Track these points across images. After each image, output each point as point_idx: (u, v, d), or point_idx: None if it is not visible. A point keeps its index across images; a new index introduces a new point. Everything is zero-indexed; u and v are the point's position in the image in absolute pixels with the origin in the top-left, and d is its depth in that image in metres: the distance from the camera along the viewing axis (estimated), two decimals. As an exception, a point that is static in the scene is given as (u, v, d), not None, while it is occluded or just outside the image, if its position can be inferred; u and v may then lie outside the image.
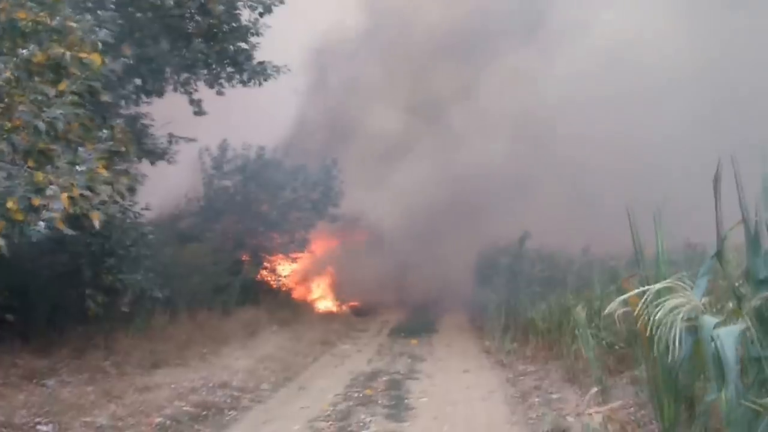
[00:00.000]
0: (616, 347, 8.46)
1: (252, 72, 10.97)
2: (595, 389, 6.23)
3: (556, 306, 11.50)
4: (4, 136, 5.83)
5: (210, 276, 14.64)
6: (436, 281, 19.17)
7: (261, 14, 10.65)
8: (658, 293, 3.42)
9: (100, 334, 10.80)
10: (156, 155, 11.24)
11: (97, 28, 7.04)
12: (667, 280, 3.44)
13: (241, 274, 16.24)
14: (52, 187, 5.67)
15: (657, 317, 3.17)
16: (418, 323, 16.55)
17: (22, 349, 9.91)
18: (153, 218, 12.23)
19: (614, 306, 3.42)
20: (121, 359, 10.24)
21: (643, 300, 3.26)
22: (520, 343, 12.00)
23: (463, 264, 18.91)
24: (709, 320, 3.08)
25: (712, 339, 2.96)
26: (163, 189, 13.23)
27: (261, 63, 11.10)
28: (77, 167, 5.93)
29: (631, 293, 3.48)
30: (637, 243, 4.19)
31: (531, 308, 12.38)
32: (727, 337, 2.91)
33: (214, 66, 11.13)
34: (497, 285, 15.95)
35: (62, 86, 6.27)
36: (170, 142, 11.35)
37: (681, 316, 3.16)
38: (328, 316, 18.41)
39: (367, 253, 20.10)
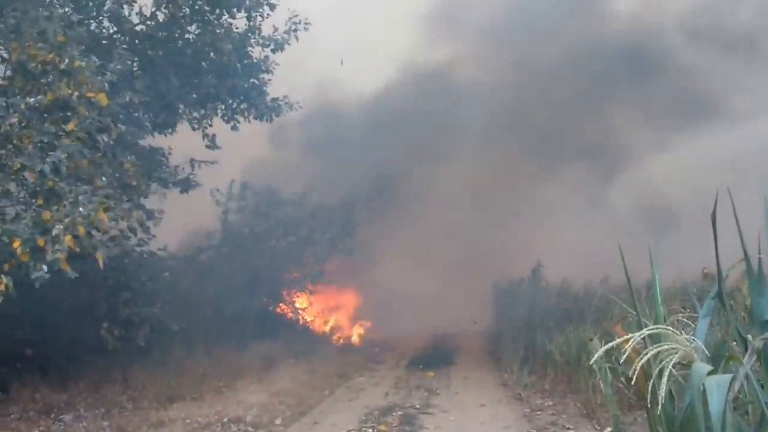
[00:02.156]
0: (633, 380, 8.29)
1: (264, 108, 11.10)
2: (608, 430, 6.11)
3: (575, 338, 11.34)
4: (13, 177, 5.94)
5: (227, 309, 14.70)
6: (455, 312, 19.10)
7: (273, 51, 10.82)
8: (655, 337, 3.35)
9: (117, 367, 10.88)
10: (177, 184, 11.36)
11: (105, 69, 7.17)
12: (653, 326, 3.35)
13: (258, 307, 16.30)
14: (57, 226, 5.75)
15: (644, 364, 3.10)
16: (435, 355, 16.41)
17: (41, 383, 10.02)
18: (172, 251, 12.34)
19: (599, 356, 3.35)
20: (138, 393, 10.30)
21: (635, 346, 3.19)
22: (538, 376, 11.85)
23: (481, 295, 18.82)
24: (701, 368, 3.00)
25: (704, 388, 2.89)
26: (180, 223, 13.38)
27: (275, 99, 11.26)
28: (80, 208, 6.02)
29: (620, 340, 3.40)
30: (631, 282, 4.12)
31: (549, 341, 12.21)
32: (717, 387, 2.82)
33: (230, 101, 11.28)
34: (515, 317, 15.81)
35: (71, 126, 6.39)
36: (192, 167, 11.48)
37: (673, 363, 3.09)
38: (346, 348, 18.34)
39: (384, 285, 20.08)
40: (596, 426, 8.56)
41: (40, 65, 6.56)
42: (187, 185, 11.74)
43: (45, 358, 10.42)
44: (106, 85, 7.02)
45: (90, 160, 6.67)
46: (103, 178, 7.05)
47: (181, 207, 12.54)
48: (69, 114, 6.45)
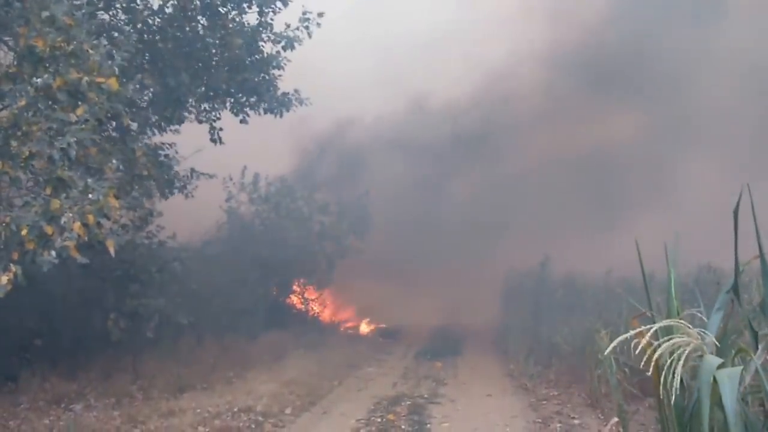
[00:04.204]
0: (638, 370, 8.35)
1: (275, 102, 11.03)
2: (615, 419, 6.15)
3: (579, 329, 11.42)
4: (22, 164, 5.93)
5: (236, 300, 14.79)
6: (463, 303, 19.23)
7: (284, 48, 10.72)
8: (667, 330, 3.40)
9: (127, 357, 10.94)
10: (177, 188, 11.13)
11: (114, 53, 7.05)
12: (668, 320, 3.40)
13: (268, 298, 16.39)
14: (66, 215, 5.75)
15: (657, 357, 3.15)
16: (443, 345, 16.51)
17: (51, 372, 10.08)
18: (181, 242, 12.35)
19: (610, 349, 3.39)
20: (148, 383, 10.36)
21: (648, 339, 3.24)
22: (544, 366, 11.94)
23: (487, 286, 18.89)
24: (711, 360, 3.05)
25: (715, 381, 2.93)
26: (189, 215, 13.38)
27: (285, 94, 11.20)
28: (90, 195, 5.99)
29: (632, 332, 3.45)
30: (647, 278, 4.14)
31: (554, 332, 12.29)
32: (728, 379, 2.87)
33: (240, 95, 11.19)
34: (521, 308, 15.88)
35: (80, 111, 6.32)
36: (191, 177, 11.24)
37: (684, 355, 3.13)
38: (355, 338, 18.44)
39: (393, 276, 20.18)
40: (600, 415, 8.66)
41: (48, 49, 6.44)
42: (183, 191, 11.35)
43: (54, 348, 10.47)
44: (116, 69, 6.91)
45: (100, 148, 6.60)
46: (114, 161, 6.92)
47: (191, 198, 12.55)
48: (79, 102, 6.34)
